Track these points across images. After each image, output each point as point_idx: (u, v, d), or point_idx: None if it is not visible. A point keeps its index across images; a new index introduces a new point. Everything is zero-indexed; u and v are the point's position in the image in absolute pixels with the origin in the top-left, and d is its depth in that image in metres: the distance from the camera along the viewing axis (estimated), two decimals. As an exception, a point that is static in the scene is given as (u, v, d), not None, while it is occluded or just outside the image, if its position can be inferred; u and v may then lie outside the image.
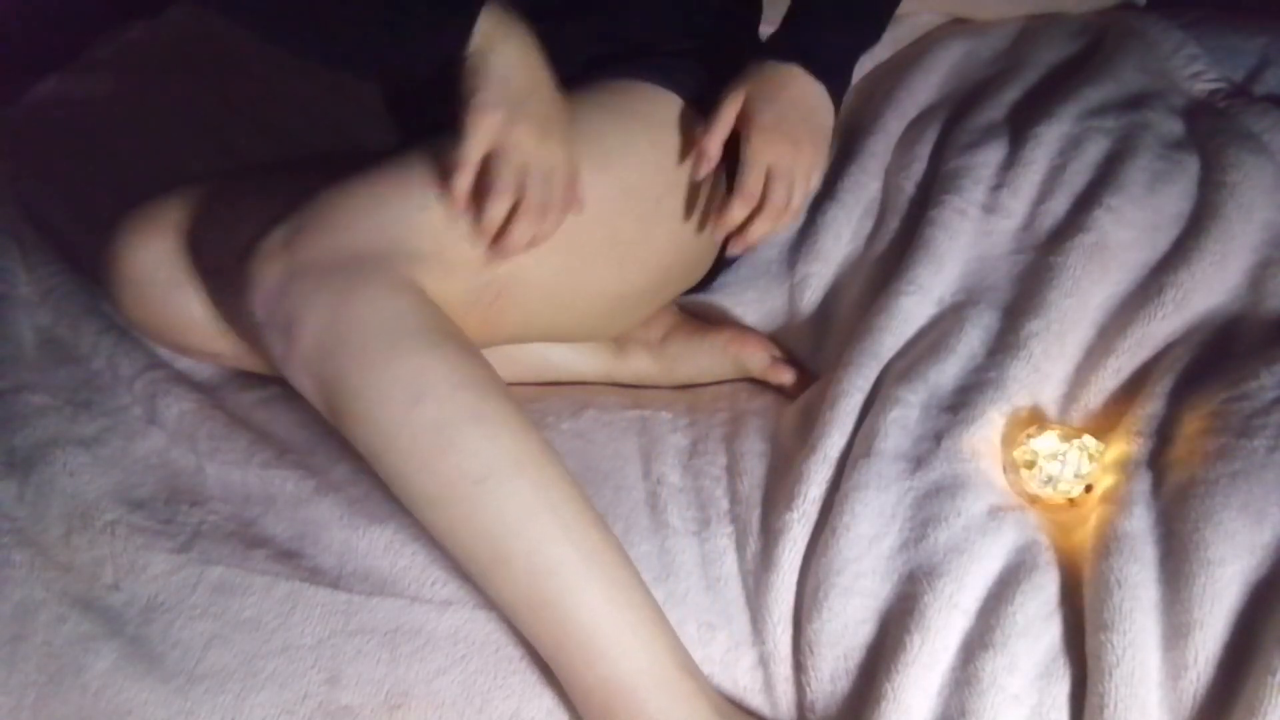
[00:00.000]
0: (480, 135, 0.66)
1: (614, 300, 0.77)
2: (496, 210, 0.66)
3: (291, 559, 0.74)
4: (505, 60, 0.68)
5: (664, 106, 0.78)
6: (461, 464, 0.62)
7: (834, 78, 0.78)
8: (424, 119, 0.76)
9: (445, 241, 0.66)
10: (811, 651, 0.67)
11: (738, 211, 0.73)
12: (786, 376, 0.86)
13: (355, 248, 0.63)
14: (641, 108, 0.77)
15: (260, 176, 0.79)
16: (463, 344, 0.65)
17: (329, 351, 0.61)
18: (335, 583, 0.72)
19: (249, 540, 0.75)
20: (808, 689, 0.67)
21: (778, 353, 0.88)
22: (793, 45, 0.77)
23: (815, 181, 0.77)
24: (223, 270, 0.75)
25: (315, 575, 0.72)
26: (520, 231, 0.66)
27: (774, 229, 0.75)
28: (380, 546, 0.73)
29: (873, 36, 0.83)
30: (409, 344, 0.62)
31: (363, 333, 0.61)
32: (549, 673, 0.68)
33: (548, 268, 0.71)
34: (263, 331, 0.64)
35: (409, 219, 0.66)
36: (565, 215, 0.69)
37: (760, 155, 0.74)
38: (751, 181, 0.73)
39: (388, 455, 0.63)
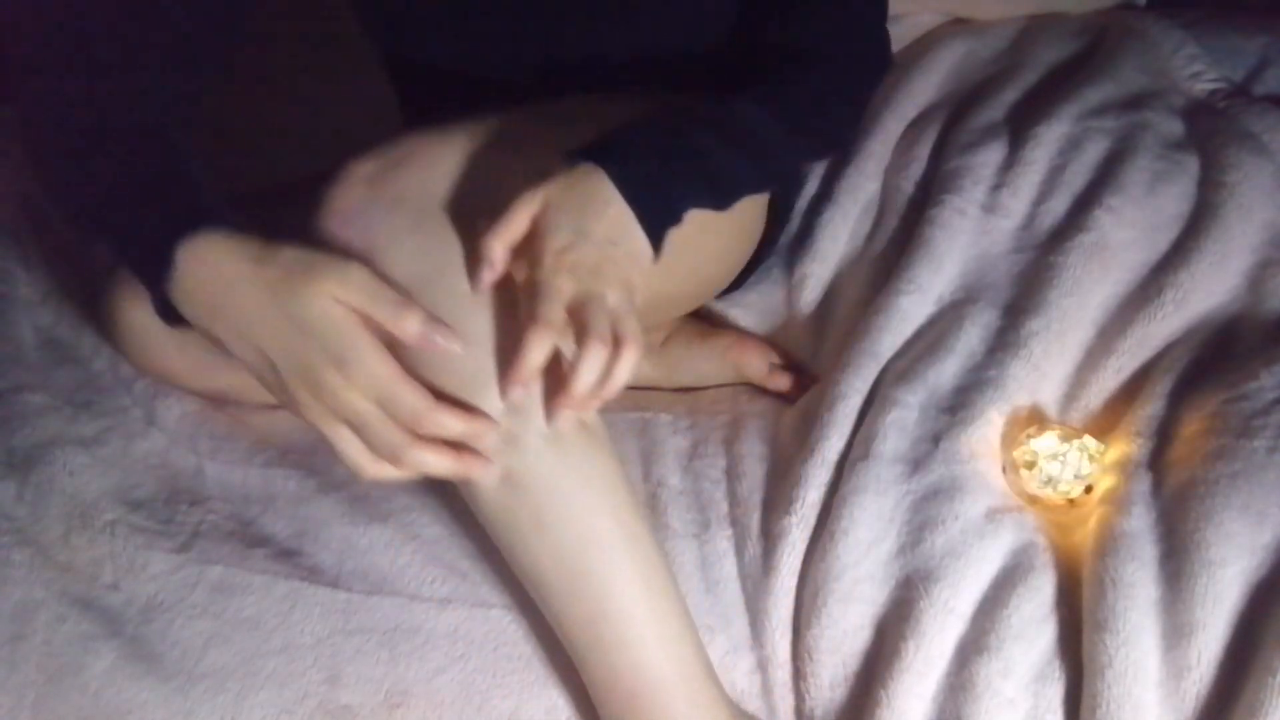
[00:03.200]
0: (332, 431, 0.59)
1: (654, 302, 0.76)
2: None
3: (291, 558, 0.74)
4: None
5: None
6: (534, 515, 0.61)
7: (653, 208, 0.61)
8: (431, 112, 0.76)
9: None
10: (811, 658, 0.67)
11: (537, 348, 0.56)
12: (784, 384, 0.86)
13: (449, 192, 0.62)
14: None
15: (248, 215, 0.79)
16: None
17: (414, 287, 0.59)
18: (335, 581, 0.72)
19: (249, 540, 0.75)
20: (807, 695, 0.67)
21: (777, 359, 0.88)
22: (615, 152, 0.61)
23: (629, 327, 0.58)
24: None
25: (315, 574, 0.72)
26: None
27: (607, 371, 0.57)
28: (380, 544, 0.73)
29: (730, 186, 0.67)
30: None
31: (455, 278, 0.59)
32: (549, 672, 0.68)
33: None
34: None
35: (502, 180, 0.62)
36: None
37: (556, 279, 0.57)
38: (550, 310, 0.56)
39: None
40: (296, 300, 0.57)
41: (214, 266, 0.59)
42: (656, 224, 0.61)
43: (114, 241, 0.64)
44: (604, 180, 0.60)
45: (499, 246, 0.58)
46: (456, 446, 0.59)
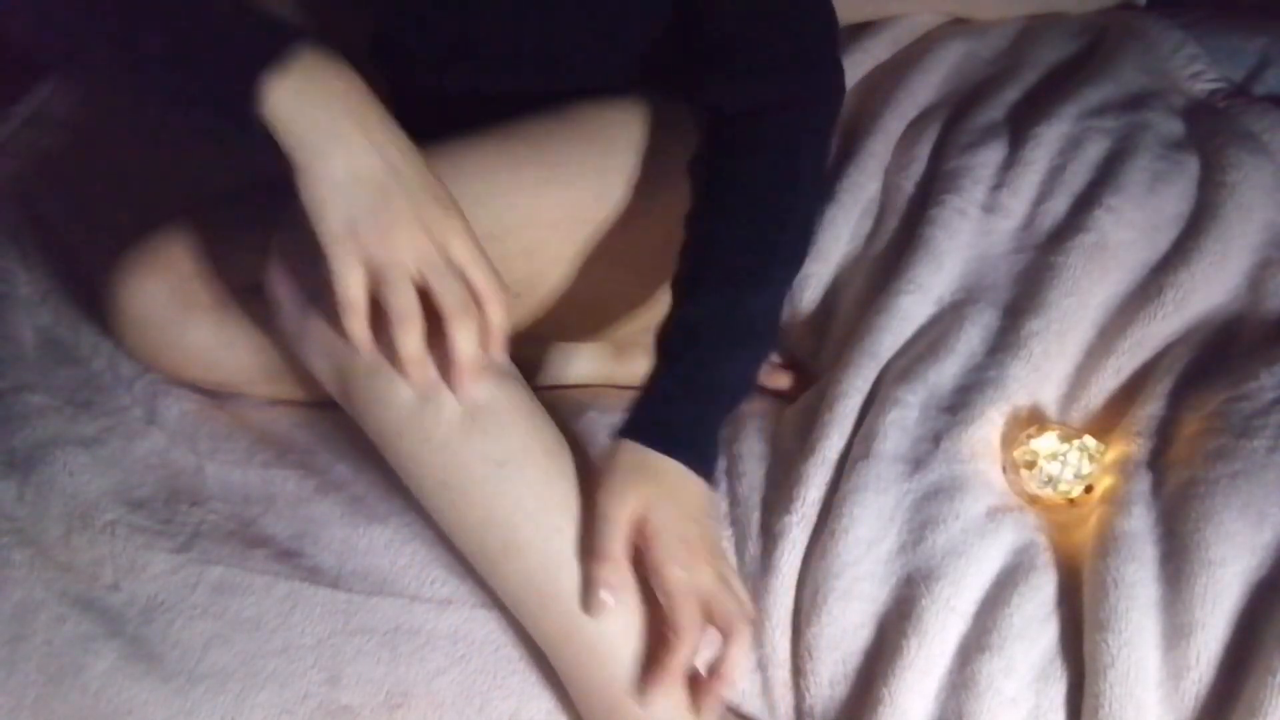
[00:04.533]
0: (347, 271, 0.57)
1: (633, 304, 0.77)
2: (408, 343, 0.58)
3: (291, 558, 0.74)
4: (334, 142, 0.57)
5: (685, 115, 0.77)
6: (484, 448, 0.62)
7: (711, 465, 0.65)
8: (424, 113, 0.76)
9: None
10: (810, 656, 0.67)
11: (685, 654, 0.59)
12: (783, 382, 0.86)
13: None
14: (666, 118, 0.77)
15: (251, 207, 0.80)
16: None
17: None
18: (335, 582, 0.72)
19: (249, 540, 0.75)
20: (806, 694, 0.67)
21: (776, 358, 0.88)
22: (672, 433, 0.64)
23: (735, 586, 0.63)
24: (223, 304, 0.77)
25: (315, 575, 0.72)
26: (461, 345, 0.58)
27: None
28: (380, 545, 0.73)
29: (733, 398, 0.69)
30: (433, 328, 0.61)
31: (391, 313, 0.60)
32: (549, 673, 0.68)
33: (573, 265, 0.71)
34: (278, 306, 0.64)
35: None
36: (503, 299, 0.60)
37: (685, 586, 0.60)
38: (688, 618, 0.59)
39: (405, 439, 0.63)
40: (418, 156, 0.59)
41: (336, 67, 0.58)
42: (711, 475, 0.65)
43: (205, 50, 0.59)
44: (698, 485, 0.63)
45: (620, 574, 0.61)
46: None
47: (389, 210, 0.57)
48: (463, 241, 0.59)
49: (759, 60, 0.71)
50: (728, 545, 0.73)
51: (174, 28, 0.59)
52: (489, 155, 0.71)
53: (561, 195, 0.72)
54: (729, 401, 0.66)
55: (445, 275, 0.58)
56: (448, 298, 0.58)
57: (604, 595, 0.60)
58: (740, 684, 0.67)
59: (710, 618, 0.60)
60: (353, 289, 0.57)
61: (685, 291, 0.67)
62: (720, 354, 0.65)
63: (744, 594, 0.62)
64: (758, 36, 0.71)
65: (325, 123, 0.57)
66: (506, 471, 0.62)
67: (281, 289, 0.64)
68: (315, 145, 0.57)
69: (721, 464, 0.78)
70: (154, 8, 0.60)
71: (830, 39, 0.73)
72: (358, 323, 0.58)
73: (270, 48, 0.57)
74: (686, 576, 0.60)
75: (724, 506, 0.75)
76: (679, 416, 0.64)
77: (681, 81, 0.77)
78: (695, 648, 0.60)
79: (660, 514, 0.61)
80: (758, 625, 0.69)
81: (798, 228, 0.70)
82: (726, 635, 0.60)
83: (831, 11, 0.73)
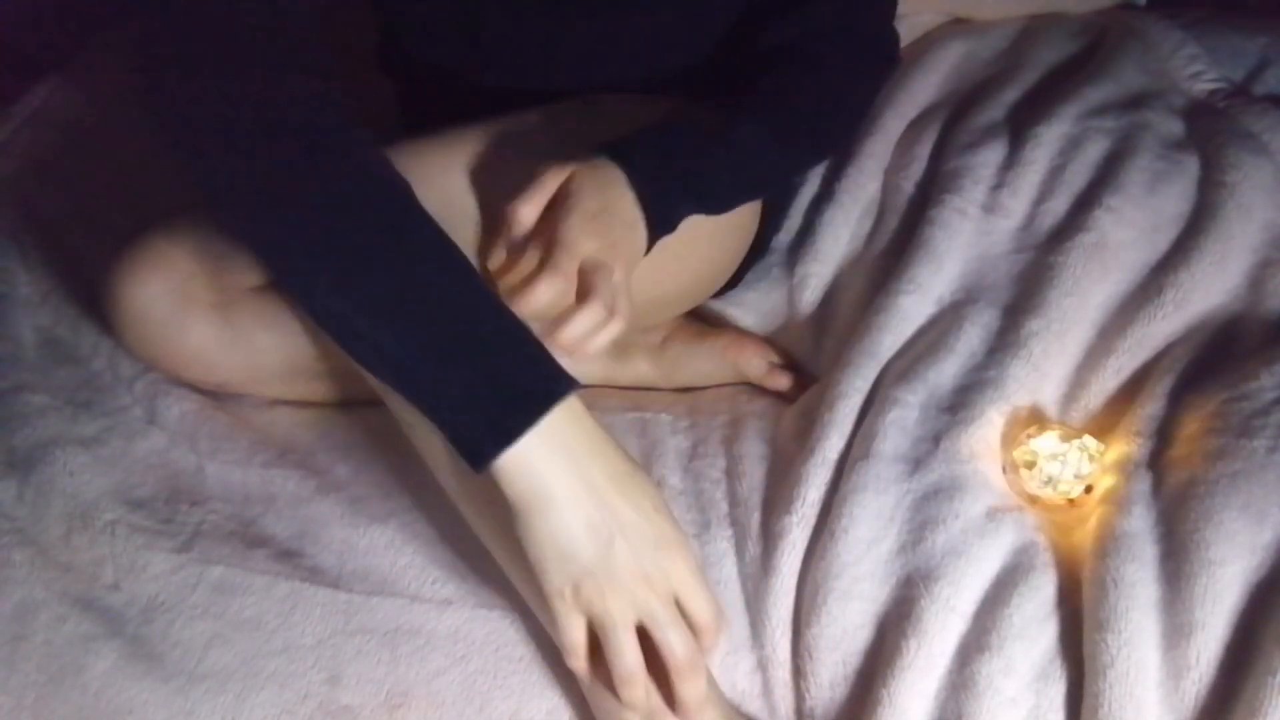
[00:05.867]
0: (568, 624, 0.58)
1: (648, 303, 0.77)
2: (632, 698, 0.59)
3: (292, 558, 0.74)
4: (559, 502, 0.56)
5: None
6: None
7: (658, 212, 0.65)
8: (433, 113, 0.76)
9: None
10: (810, 657, 0.67)
11: (546, 288, 0.59)
12: (784, 383, 0.86)
13: None
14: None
15: None
16: None
17: None
18: (335, 582, 0.72)
19: (249, 540, 0.75)
20: (807, 694, 0.67)
21: (775, 358, 0.88)
22: (632, 154, 0.65)
23: (624, 305, 0.61)
24: (223, 304, 0.76)
25: (315, 575, 0.72)
26: (688, 694, 0.59)
27: (597, 331, 0.59)
28: (381, 545, 0.73)
29: (726, 197, 0.71)
30: None
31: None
32: (549, 673, 0.68)
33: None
34: None
35: (460, 201, 0.67)
36: (723, 630, 0.60)
37: (581, 238, 0.60)
38: (567, 261, 0.60)
39: None
40: (643, 498, 0.59)
41: (584, 419, 0.58)
42: (657, 228, 0.65)
43: (452, 346, 0.57)
44: (622, 175, 0.64)
45: (529, 210, 0.62)
46: None
47: (608, 567, 0.57)
48: (682, 577, 0.59)
49: (825, 17, 0.74)
50: (728, 546, 0.73)
51: (427, 311, 0.57)
52: (521, 141, 0.71)
53: None
54: (696, 192, 0.68)
55: (667, 627, 0.58)
56: (672, 650, 0.58)
57: (508, 235, 0.62)
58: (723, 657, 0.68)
59: (580, 280, 0.60)
60: (574, 635, 0.58)
61: (726, 109, 0.70)
62: (710, 150, 0.68)
63: (624, 306, 0.61)
64: (825, 16, 0.75)
65: (553, 482, 0.56)
66: None
67: None
68: (540, 505, 0.56)
69: (721, 464, 0.78)
70: (408, 278, 0.58)
71: (891, 11, 0.79)
72: (579, 663, 0.59)
73: (534, 400, 0.56)
74: (584, 235, 0.61)
75: (724, 507, 0.75)
76: (653, 155, 0.66)
77: (686, 92, 0.77)
78: (554, 289, 0.59)
79: (594, 189, 0.62)
80: (752, 616, 0.69)
81: (823, 134, 0.75)
82: (584, 299, 0.59)
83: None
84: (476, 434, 0.56)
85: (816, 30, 0.74)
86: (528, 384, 0.57)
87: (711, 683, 0.65)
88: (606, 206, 0.62)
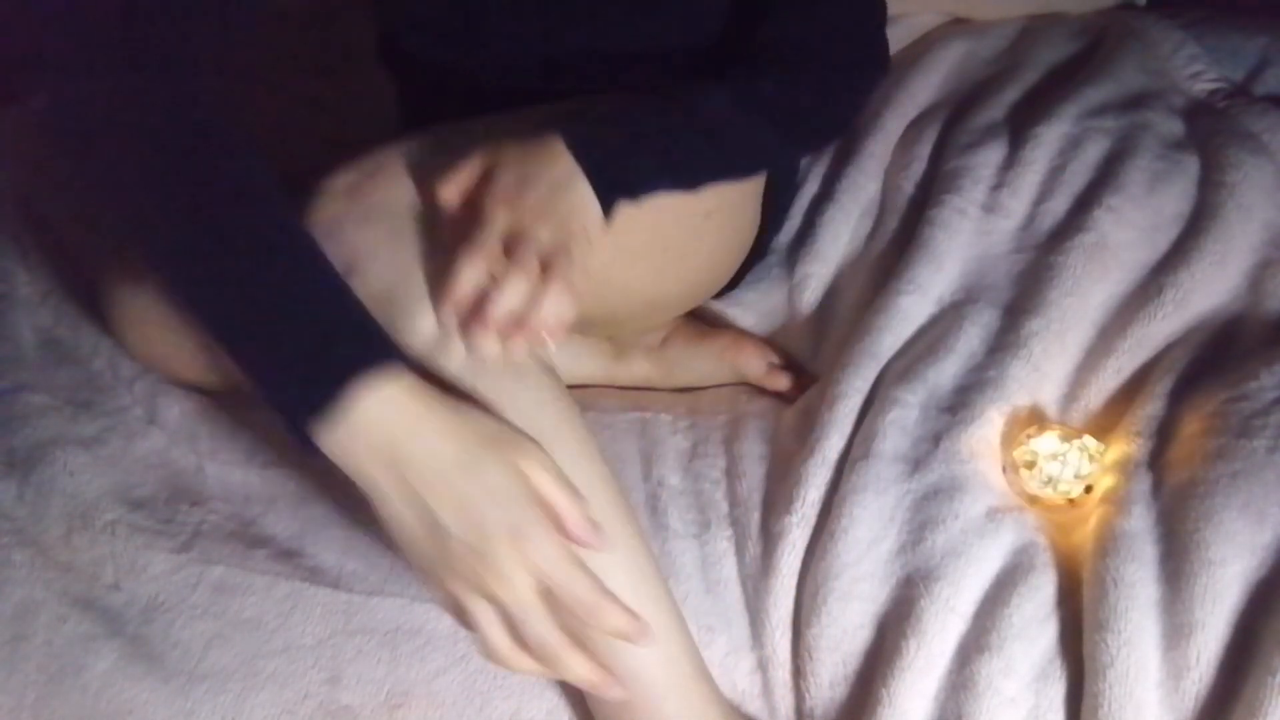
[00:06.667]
0: (454, 612, 0.57)
1: (647, 304, 0.77)
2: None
3: (292, 558, 0.74)
4: (379, 494, 0.55)
5: None
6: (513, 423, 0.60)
7: (605, 170, 0.62)
8: (433, 113, 0.76)
9: None
10: (811, 657, 0.67)
11: (467, 268, 0.56)
12: (783, 383, 0.86)
13: (417, 203, 0.62)
14: None
15: None
16: None
17: (389, 298, 0.59)
18: (335, 582, 0.72)
19: (249, 540, 0.75)
20: (807, 694, 0.67)
21: (775, 359, 0.88)
22: (580, 127, 0.63)
23: (564, 245, 0.59)
24: None
25: (316, 575, 0.72)
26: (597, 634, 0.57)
27: (534, 306, 0.55)
28: (381, 545, 0.73)
29: (688, 175, 0.68)
30: None
31: (428, 287, 0.59)
32: (549, 673, 0.68)
33: (592, 264, 0.71)
34: None
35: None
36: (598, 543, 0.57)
37: (498, 208, 0.58)
38: (483, 235, 0.57)
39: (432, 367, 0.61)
40: (491, 464, 0.55)
41: (401, 413, 0.55)
42: (605, 185, 0.62)
43: (236, 337, 0.57)
44: (557, 141, 0.61)
45: (452, 190, 0.59)
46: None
47: (447, 560, 0.55)
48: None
49: (816, 23, 0.73)
50: (728, 546, 0.73)
51: (253, 297, 0.56)
52: (527, 134, 0.70)
53: None
54: (655, 156, 0.65)
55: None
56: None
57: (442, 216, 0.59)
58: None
59: (506, 254, 0.57)
60: (470, 624, 0.56)
61: (704, 85, 0.68)
62: (666, 116, 0.66)
63: (561, 263, 0.57)
64: (817, 18, 0.74)
65: (373, 473, 0.55)
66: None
67: (322, 245, 0.61)
68: (371, 495, 0.56)
69: (721, 464, 0.78)
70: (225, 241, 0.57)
71: (882, 20, 0.78)
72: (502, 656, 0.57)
73: (330, 384, 0.54)
74: (496, 208, 0.58)
75: (724, 507, 0.75)
76: (595, 122, 0.64)
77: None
78: (475, 269, 0.56)
79: (513, 164, 0.60)
80: (752, 616, 0.69)
81: (804, 122, 0.73)
82: (545, 268, 0.56)
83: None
84: (294, 420, 0.55)
85: (807, 29, 0.74)
86: (328, 367, 0.55)
87: (710, 683, 0.65)
88: (530, 174, 0.60)
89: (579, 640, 0.57)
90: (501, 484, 0.55)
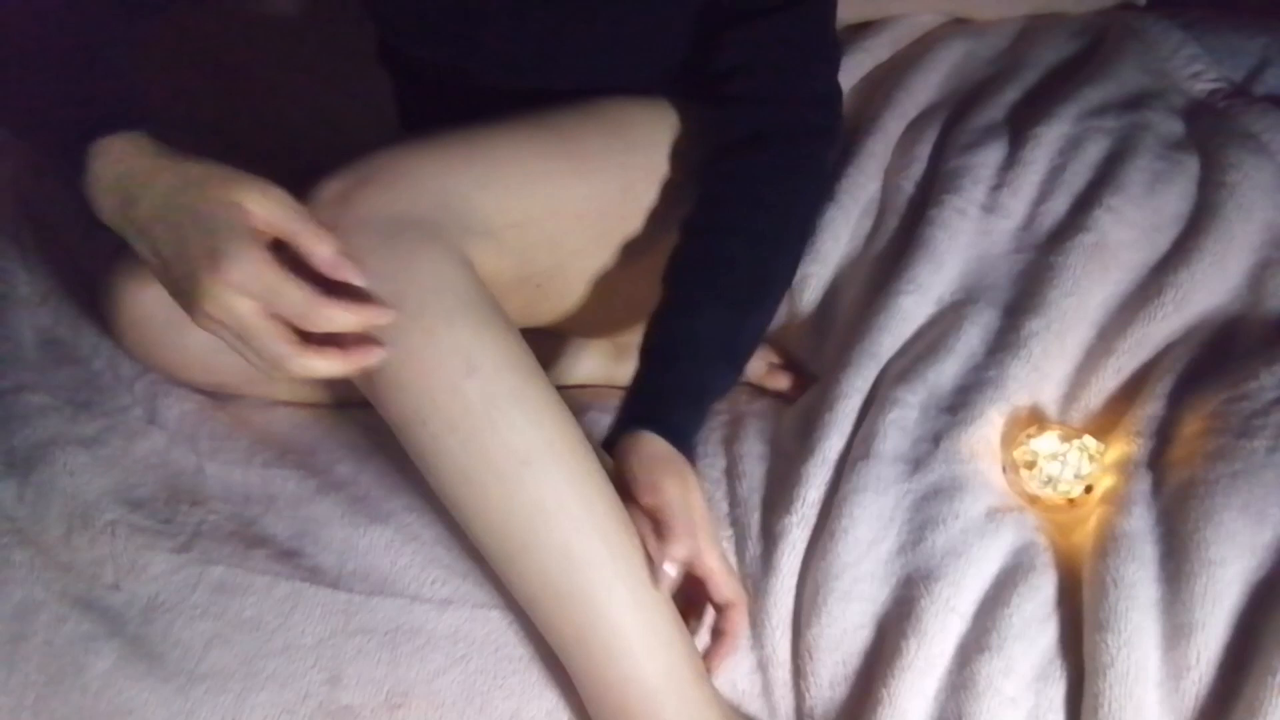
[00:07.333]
0: (202, 323, 0.59)
1: (647, 304, 0.77)
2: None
3: (292, 558, 0.74)
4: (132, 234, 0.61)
5: (704, 120, 0.77)
6: (509, 441, 0.61)
7: (694, 457, 0.70)
8: (433, 113, 0.76)
9: (502, 223, 0.66)
10: (810, 657, 0.67)
11: (740, 627, 0.67)
12: (783, 383, 0.87)
13: (415, 211, 0.63)
14: (688, 121, 0.77)
15: None
16: (509, 324, 0.65)
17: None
18: (335, 582, 0.72)
19: (249, 540, 0.75)
20: (807, 694, 0.67)
21: (775, 359, 0.88)
22: (675, 427, 0.69)
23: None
24: None
25: (315, 575, 0.72)
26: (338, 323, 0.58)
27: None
28: (381, 545, 0.73)
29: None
30: (465, 315, 0.62)
31: (421, 296, 0.61)
32: (549, 673, 0.68)
33: (595, 259, 0.71)
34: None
35: (470, 194, 0.65)
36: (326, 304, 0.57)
37: (725, 564, 0.66)
38: (736, 590, 0.67)
39: (430, 425, 0.62)
40: (203, 195, 0.58)
41: (133, 159, 0.60)
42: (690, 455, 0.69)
43: (51, 135, 0.64)
44: (664, 445, 0.67)
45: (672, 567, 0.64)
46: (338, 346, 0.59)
47: (175, 287, 0.59)
48: (242, 281, 0.57)
49: (765, 90, 0.74)
50: (728, 546, 0.73)
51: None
52: (520, 142, 0.71)
53: (587, 188, 0.72)
54: (712, 401, 0.72)
55: (250, 329, 0.57)
56: (261, 351, 0.58)
57: (668, 568, 0.64)
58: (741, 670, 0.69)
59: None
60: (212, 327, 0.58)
61: (686, 303, 0.71)
62: (717, 367, 0.71)
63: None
64: (766, 67, 0.74)
65: (111, 218, 0.62)
66: (530, 468, 0.62)
67: None
68: (117, 232, 0.62)
69: (721, 464, 0.78)
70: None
71: (834, 73, 0.78)
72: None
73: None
74: (724, 559, 0.66)
75: (724, 507, 0.75)
76: (681, 411, 0.69)
77: (695, 94, 0.77)
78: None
79: (694, 497, 0.65)
80: (752, 617, 0.70)
81: (792, 255, 0.76)
82: (734, 605, 0.66)
83: (837, 46, 0.79)
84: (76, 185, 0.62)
85: (758, 83, 0.74)
86: (89, 135, 0.61)
87: (710, 686, 0.65)
88: (656, 483, 0.65)
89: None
90: (206, 211, 0.57)
